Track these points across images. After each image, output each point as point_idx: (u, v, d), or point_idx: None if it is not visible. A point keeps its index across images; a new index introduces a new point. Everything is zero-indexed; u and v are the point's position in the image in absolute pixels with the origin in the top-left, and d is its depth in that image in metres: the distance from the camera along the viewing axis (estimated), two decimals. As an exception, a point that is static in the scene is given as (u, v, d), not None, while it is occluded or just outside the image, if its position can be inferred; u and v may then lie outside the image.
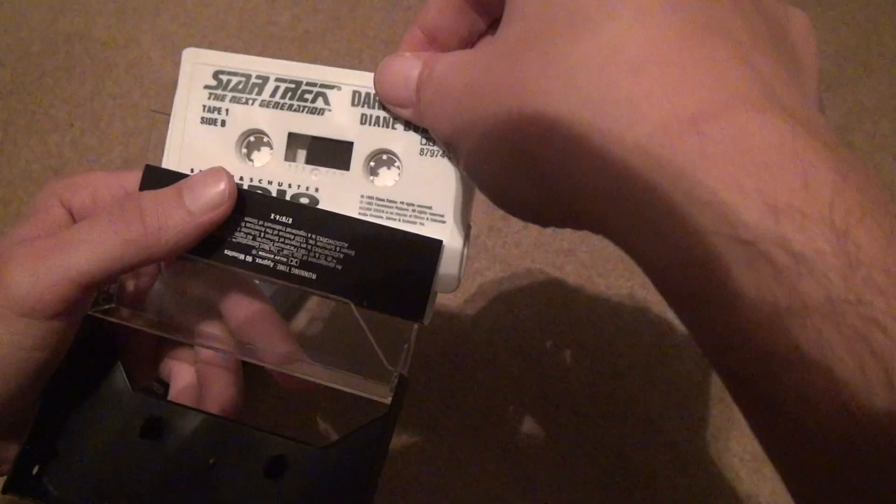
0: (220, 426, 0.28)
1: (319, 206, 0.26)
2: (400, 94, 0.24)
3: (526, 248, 0.52)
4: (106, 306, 0.27)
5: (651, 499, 0.43)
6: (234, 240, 0.26)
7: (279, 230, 0.26)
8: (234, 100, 0.26)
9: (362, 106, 0.25)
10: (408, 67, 0.23)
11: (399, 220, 0.26)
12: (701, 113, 0.16)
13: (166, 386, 0.32)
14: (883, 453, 0.14)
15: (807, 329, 0.14)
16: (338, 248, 0.26)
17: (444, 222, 0.25)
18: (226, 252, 0.26)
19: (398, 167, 0.26)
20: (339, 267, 0.26)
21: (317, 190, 0.26)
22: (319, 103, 0.26)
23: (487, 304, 0.49)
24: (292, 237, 0.26)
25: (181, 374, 0.31)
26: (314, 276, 0.26)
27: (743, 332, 0.15)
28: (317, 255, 0.26)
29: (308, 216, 0.26)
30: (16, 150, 0.55)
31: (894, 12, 0.70)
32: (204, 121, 0.26)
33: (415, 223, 0.26)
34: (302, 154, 0.26)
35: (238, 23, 0.63)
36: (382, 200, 0.26)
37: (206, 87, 0.26)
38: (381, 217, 0.26)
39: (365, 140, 0.25)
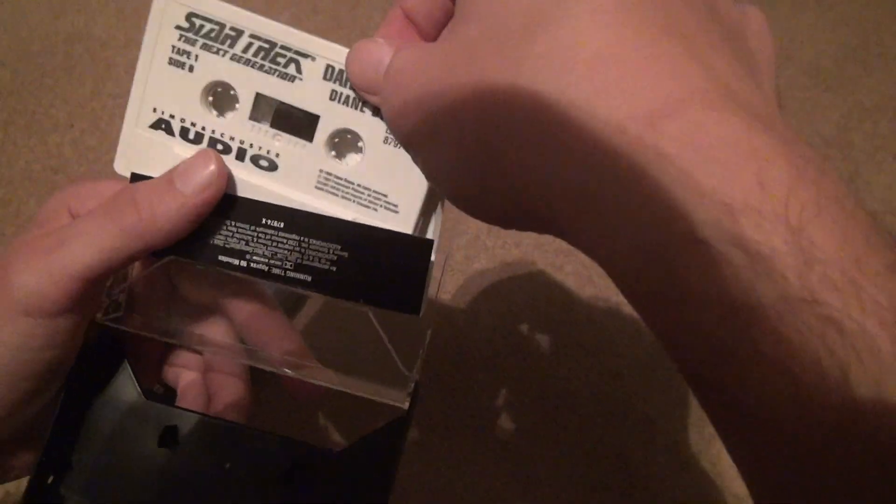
0: (233, 432, 0.28)
1: (277, 173, 0.25)
2: (369, 80, 0.23)
3: (526, 248, 0.52)
4: (114, 314, 0.28)
5: (651, 499, 0.43)
6: (227, 245, 0.26)
7: (272, 234, 0.26)
8: (204, 47, 0.25)
9: (334, 82, 0.25)
10: (379, 53, 0.22)
11: (353, 202, 0.25)
12: (657, 111, 0.16)
13: (170, 389, 0.32)
14: (841, 452, 0.14)
15: (764, 329, 0.14)
16: (330, 251, 0.26)
17: (396, 213, 0.25)
18: (220, 258, 0.26)
19: (361, 149, 0.25)
20: (334, 269, 0.26)
21: (277, 155, 0.25)
22: (291, 70, 0.25)
23: (487, 304, 0.49)
24: (285, 241, 0.26)
25: (188, 381, 0.30)
26: (310, 279, 0.26)
27: (704, 332, 0.15)
28: (310, 257, 0.26)
29: (299, 220, 0.26)
30: (16, 150, 0.55)
31: (894, 12, 0.70)
32: (172, 62, 0.25)
33: (368, 207, 0.25)
34: (267, 117, 0.25)
35: (238, 23, 0.63)
36: (340, 179, 0.25)
37: (178, 27, 0.25)
38: (337, 195, 0.25)
39: (331, 116, 0.25)
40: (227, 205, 0.26)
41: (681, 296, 0.15)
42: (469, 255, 0.51)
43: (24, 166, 0.54)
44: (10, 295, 0.23)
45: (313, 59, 0.25)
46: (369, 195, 0.25)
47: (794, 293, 0.14)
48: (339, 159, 0.26)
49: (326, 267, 0.26)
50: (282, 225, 0.26)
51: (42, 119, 0.57)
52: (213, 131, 0.26)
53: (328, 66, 0.25)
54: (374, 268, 0.26)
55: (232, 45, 0.25)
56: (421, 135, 0.21)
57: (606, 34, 0.17)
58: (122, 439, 0.28)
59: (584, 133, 0.16)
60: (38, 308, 0.23)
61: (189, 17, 0.25)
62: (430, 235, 0.26)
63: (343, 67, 0.24)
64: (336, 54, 0.24)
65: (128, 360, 0.28)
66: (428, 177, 0.23)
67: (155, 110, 0.26)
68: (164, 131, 0.26)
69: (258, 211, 0.26)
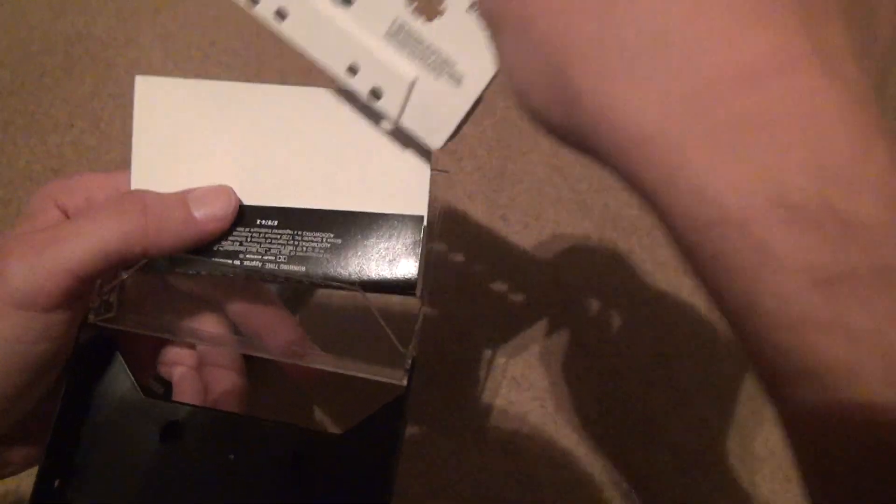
0: (234, 423, 0.28)
1: (353, 7, 0.24)
2: None
3: (526, 248, 0.52)
4: (107, 315, 0.27)
5: (651, 499, 0.43)
6: (221, 248, 0.26)
7: (265, 233, 0.26)
8: None
9: None
10: None
11: (418, 60, 0.24)
12: (761, 68, 0.15)
13: (165, 384, 0.32)
14: None
15: (856, 297, 0.14)
16: (324, 239, 0.26)
17: (459, 84, 0.24)
18: (214, 260, 0.26)
19: (442, 10, 0.24)
20: (328, 256, 0.26)
21: None
22: None
23: (487, 303, 0.49)
24: (279, 237, 0.26)
25: (182, 374, 0.30)
26: (303, 269, 0.26)
27: (780, 295, 0.15)
28: (304, 248, 0.26)
29: (294, 216, 0.26)
30: (16, 150, 0.55)
31: (894, 12, 0.70)
32: None
33: (432, 70, 0.24)
34: None
35: (238, 22, 0.63)
36: (412, 33, 0.24)
37: None
38: (404, 49, 0.24)
39: None
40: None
41: (759, 258, 0.15)
42: (469, 255, 0.51)
43: (24, 166, 0.54)
44: (4, 289, 0.23)
45: None
46: (437, 59, 0.24)
47: (888, 262, 0.14)
48: (418, 13, 0.25)
49: (320, 255, 0.26)
50: (276, 223, 0.26)
51: (42, 119, 0.57)
52: None
53: None
54: (367, 250, 0.26)
55: None
56: (505, 23, 0.20)
57: None
58: (125, 438, 0.27)
59: (679, 78, 0.16)
60: (32, 302, 0.23)
61: None
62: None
63: None
64: None
65: (122, 357, 0.28)
66: (502, 68, 0.22)
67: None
68: None
69: (253, 213, 0.26)
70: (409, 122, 0.25)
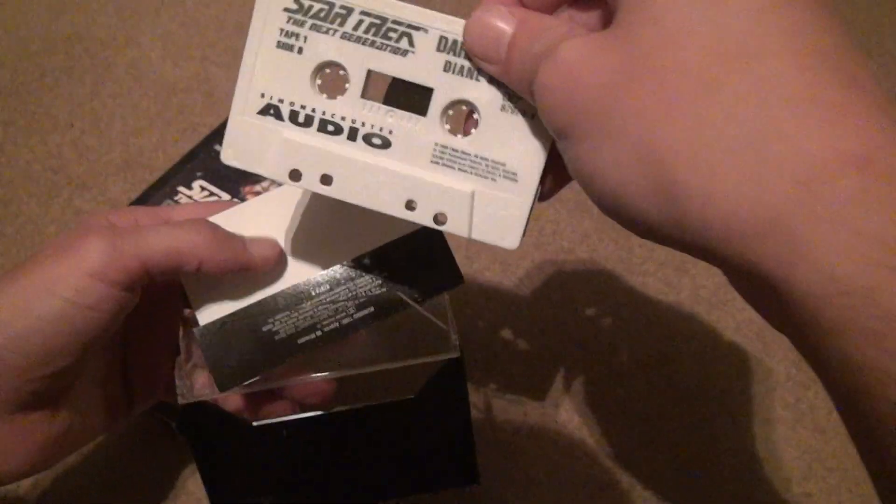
0: (321, 421, 0.33)
1: (391, 150, 0.25)
2: (489, 50, 0.23)
3: (526, 248, 0.52)
4: (195, 399, 0.31)
5: (651, 499, 0.43)
6: (299, 329, 0.31)
7: (324, 298, 0.31)
8: (314, 28, 0.25)
9: (448, 53, 0.25)
10: (501, 23, 0.23)
11: (470, 173, 0.25)
12: (861, 155, 0.17)
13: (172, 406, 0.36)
14: None
15: None
16: (374, 279, 0.31)
17: (515, 181, 0.25)
18: (299, 342, 0.31)
19: (477, 119, 0.25)
20: (384, 289, 0.31)
21: (390, 132, 0.25)
22: (404, 44, 0.25)
23: (487, 304, 0.49)
24: (338, 295, 0.31)
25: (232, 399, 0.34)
26: (373, 309, 0.31)
27: None
28: (363, 294, 0.31)
29: (337, 275, 0.31)
30: (16, 150, 0.55)
31: (894, 12, 0.70)
32: (280, 45, 0.25)
33: (486, 178, 0.25)
34: (379, 94, 0.25)
35: (237, 23, 0.63)
36: (457, 151, 0.25)
37: (286, 9, 0.25)
38: (453, 167, 0.25)
39: (446, 88, 0.25)
40: (280, 299, 0.31)
41: (883, 324, 0.16)
42: (469, 254, 0.51)
43: (24, 166, 0.54)
44: (83, 258, 0.27)
45: (426, 31, 0.25)
46: (487, 165, 0.25)
47: None
48: (455, 131, 0.26)
49: (378, 292, 0.31)
50: (328, 287, 0.31)
51: (42, 119, 0.57)
52: (324, 112, 0.25)
53: (441, 37, 0.24)
54: (411, 269, 0.31)
55: (342, 24, 0.25)
56: (583, 128, 0.21)
57: (808, 77, 0.18)
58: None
59: (787, 168, 0.17)
60: (104, 274, 0.27)
61: None
62: None
63: (457, 38, 0.24)
64: (449, 24, 0.24)
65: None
66: (574, 171, 0.23)
67: (263, 95, 0.25)
68: (273, 116, 0.25)
69: (304, 290, 0.31)
70: (480, 235, 0.25)
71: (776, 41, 0.18)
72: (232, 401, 0.33)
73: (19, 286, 0.27)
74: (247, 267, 0.30)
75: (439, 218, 0.25)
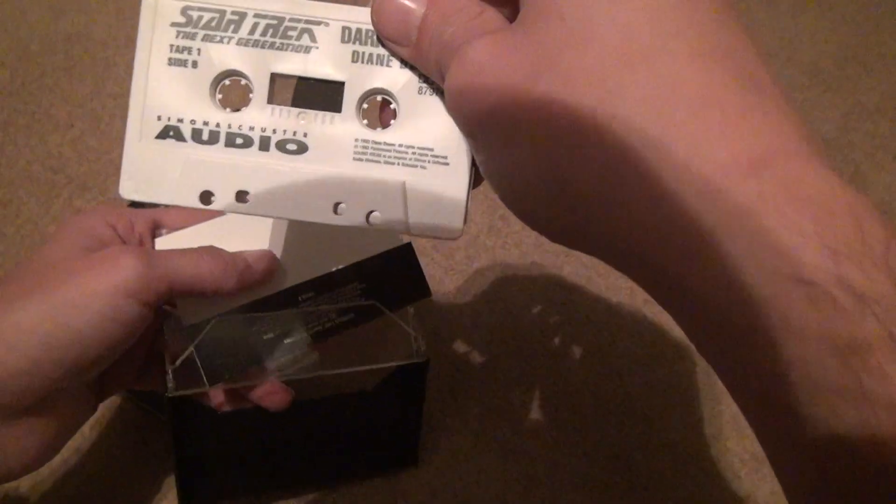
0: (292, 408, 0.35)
1: (308, 154, 0.24)
2: (399, 31, 0.22)
3: (526, 248, 0.52)
4: (184, 391, 0.32)
5: (651, 499, 0.43)
6: (285, 331, 0.33)
7: (310, 303, 0.33)
8: (206, 38, 0.23)
9: (353, 42, 0.23)
10: (411, 4, 0.22)
11: (397, 164, 0.24)
12: (759, 158, 0.16)
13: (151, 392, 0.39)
14: None
15: (870, 364, 0.15)
16: (354, 289, 0.33)
17: (447, 164, 0.24)
18: (285, 342, 0.33)
19: (394, 108, 0.24)
20: (363, 298, 0.33)
21: (305, 135, 0.24)
22: (305, 40, 0.23)
23: (487, 304, 0.49)
24: (322, 302, 0.33)
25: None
26: (353, 316, 0.33)
27: (801, 366, 0.16)
28: (344, 301, 0.33)
29: (322, 282, 0.33)
30: (16, 150, 0.55)
31: (894, 12, 0.70)
32: (172, 62, 0.23)
33: (415, 166, 0.24)
34: (287, 97, 0.24)
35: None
36: (379, 144, 0.24)
37: (174, 24, 0.23)
38: (379, 161, 0.24)
39: (358, 79, 0.23)
40: (272, 301, 0.32)
41: (781, 333, 0.16)
42: (469, 255, 0.51)
43: (24, 166, 0.54)
44: (118, 276, 0.28)
45: (327, 24, 0.23)
46: (414, 153, 0.24)
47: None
48: (374, 124, 0.24)
49: (358, 301, 0.33)
50: (313, 293, 0.32)
51: (42, 119, 0.57)
52: (230, 126, 0.24)
53: (344, 27, 0.23)
54: (385, 282, 0.33)
55: (236, 30, 0.23)
56: (490, 131, 0.20)
57: (708, 78, 0.17)
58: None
59: (687, 174, 0.17)
60: (136, 293, 0.28)
61: (185, 10, 0.23)
62: None
63: (360, 26, 0.23)
64: (350, 14, 0.23)
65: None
66: (484, 171, 0.22)
67: (160, 118, 0.23)
68: (174, 138, 0.24)
69: (292, 294, 0.32)
70: (419, 228, 0.24)
71: (677, 41, 0.18)
72: (215, 394, 0.34)
73: (56, 299, 0.28)
74: (251, 285, 0.32)
75: (372, 217, 0.24)
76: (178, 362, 0.32)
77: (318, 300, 0.33)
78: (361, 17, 0.23)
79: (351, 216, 0.24)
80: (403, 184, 0.24)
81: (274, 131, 0.24)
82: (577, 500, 0.42)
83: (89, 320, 0.27)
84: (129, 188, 0.24)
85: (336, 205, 0.24)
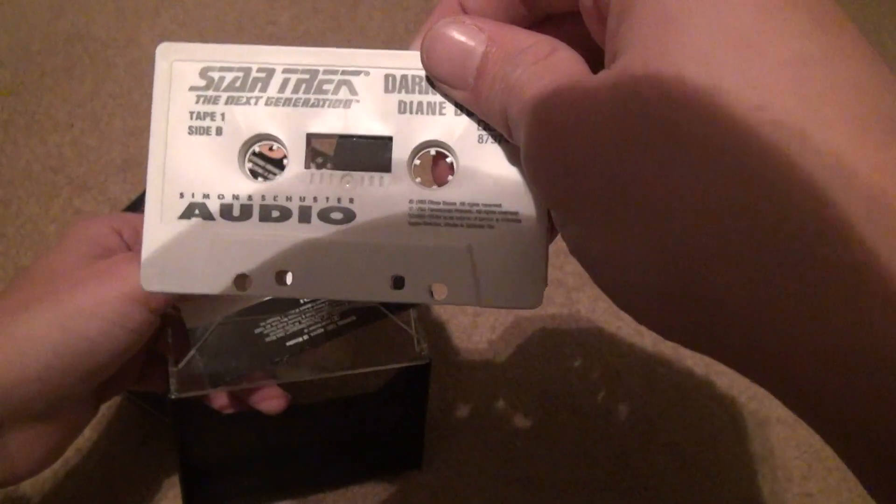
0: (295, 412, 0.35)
1: (356, 221, 0.21)
2: (455, 71, 0.19)
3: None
4: (187, 394, 0.32)
5: (651, 499, 0.43)
6: (288, 332, 0.32)
7: (312, 305, 0.32)
8: (231, 101, 0.21)
9: (399, 91, 0.20)
10: (469, 41, 0.19)
11: (461, 226, 0.20)
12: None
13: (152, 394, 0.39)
14: None
15: None
16: None
17: (518, 221, 0.20)
18: (287, 345, 0.32)
19: (451, 161, 0.21)
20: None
21: (351, 201, 0.21)
22: (344, 93, 0.21)
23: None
24: (324, 304, 0.32)
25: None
26: (355, 318, 0.32)
27: None
28: (347, 303, 0.32)
29: None
30: (16, 150, 0.55)
31: (894, 12, 0.70)
32: (193, 130, 0.21)
33: (481, 227, 0.20)
34: (327, 158, 0.22)
35: (237, 23, 0.63)
36: (437, 204, 0.21)
37: (193, 88, 0.21)
38: (439, 224, 0.20)
39: (407, 132, 0.21)
40: (275, 304, 0.32)
41: None
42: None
43: (24, 166, 0.54)
44: (126, 282, 0.28)
45: (367, 73, 0.21)
46: (479, 211, 0.20)
47: None
48: (428, 181, 0.21)
49: (360, 303, 0.32)
50: None
51: (42, 119, 0.57)
52: (263, 197, 0.21)
53: (387, 76, 0.20)
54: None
55: (264, 89, 0.21)
56: (584, 204, 0.16)
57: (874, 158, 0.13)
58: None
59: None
60: (146, 300, 0.28)
61: (204, 72, 0.21)
62: None
63: (406, 72, 0.20)
64: (393, 59, 0.21)
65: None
66: (574, 250, 0.18)
67: (182, 195, 0.21)
68: (200, 217, 0.21)
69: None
70: (493, 298, 0.21)
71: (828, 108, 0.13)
72: (218, 397, 0.35)
73: (66, 307, 0.28)
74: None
75: (436, 289, 0.21)
76: (180, 365, 0.32)
77: (320, 302, 0.33)
78: (406, 63, 0.20)
79: (413, 291, 0.20)
80: (470, 248, 0.20)
81: (315, 199, 0.21)
82: (577, 501, 0.42)
83: (99, 328, 0.28)
84: (152, 278, 0.21)
85: (395, 279, 0.21)
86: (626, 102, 0.15)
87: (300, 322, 0.32)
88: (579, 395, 0.46)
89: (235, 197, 0.21)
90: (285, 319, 0.32)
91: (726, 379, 0.47)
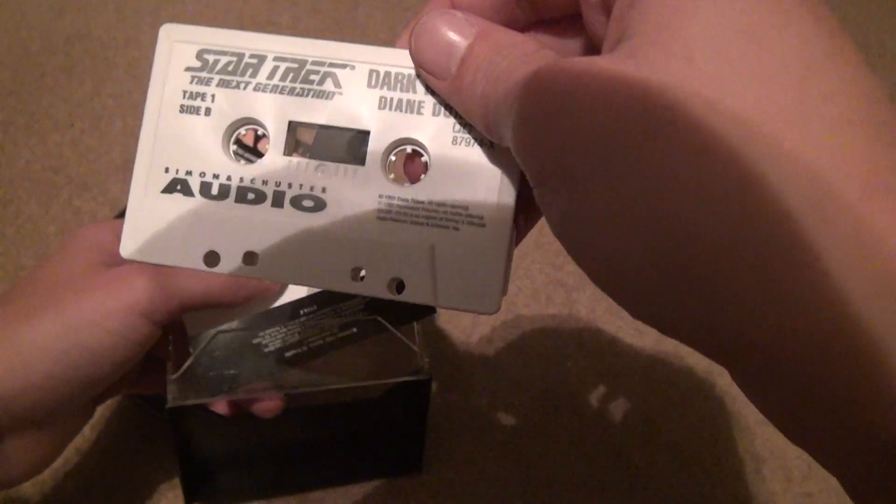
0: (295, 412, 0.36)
1: (326, 211, 0.21)
2: (439, 60, 0.19)
3: (526, 248, 0.52)
4: (185, 402, 0.32)
5: (651, 499, 0.43)
6: (287, 343, 0.32)
7: (311, 317, 0.32)
8: (222, 83, 0.21)
9: (381, 87, 0.21)
10: (456, 33, 0.19)
11: (427, 225, 0.21)
12: None
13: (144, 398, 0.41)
14: None
15: None
16: (357, 304, 0.32)
17: (483, 226, 0.21)
18: (286, 356, 0.32)
19: (425, 160, 0.21)
20: (366, 313, 0.33)
21: (323, 190, 0.21)
22: (328, 85, 0.21)
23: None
24: (324, 315, 0.32)
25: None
26: (355, 330, 0.32)
27: None
28: (347, 316, 0.32)
29: (326, 295, 0.32)
30: (16, 150, 0.55)
31: (894, 12, 0.70)
32: (184, 109, 0.21)
33: (447, 227, 0.21)
34: (305, 147, 0.22)
35: (238, 23, 0.63)
36: (406, 201, 0.21)
37: (188, 69, 0.21)
38: (405, 221, 0.21)
39: (385, 128, 0.21)
40: (274, 315, 0.32)
41: None
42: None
43: (24, 166, 0.54)
44: (132, 296, 0.29)
45: (352, 67, 0.21)
46: (446, 212, 0.21)
47: None
48: (401, 178, 0.21)
49: (360, 316, 0.32)
50: (315, 307, 0.32)
51: (42, 119, 0.57)
52: (241, 179, 0.21)
53: (371, 71, 0.21)
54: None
55: (254, 75, 0.21)
56: (576, 174, 0.16)
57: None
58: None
59: (858, 270, 0.13)
60: (150, 313, 0.29)
61: (200, 54, 0.22)
62: None
63: (390, 69, 0.21)
64: (378, 56, 0.21)
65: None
66: (561, 230, 0.17)
67: (167, 170, 0.21)
68: (181, 193, 0.21)
69: (294, 308, 0.32)
70: (449, 299, 0.21)
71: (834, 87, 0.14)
72: (218, 404, 0.35)
73: (70, 317, 0.28)
74: (256, 298, 0.32)
75: (395, 284, 0.21)
76: (179, 372, 0.32)
77: (319, 314, 0.33)
78: (391, 59, 0.21)
79: (371, 284, 0.21)
80: (432, 248, 0.21)
81: (289, 186, 0.21)
82: (577, 500, 0.42)
83: (102, 339, 0.28)
84: (130, 248, 0.22)
85: (355, 270, 0.21)
86: (632, 81, 0.15)
87: (299, 333, 0.32)
88: (579, 395, 0.46)
89: (216, 176, 0.21)
90: (284, 330, 0.32)
91: (726, 379, 0.47)
